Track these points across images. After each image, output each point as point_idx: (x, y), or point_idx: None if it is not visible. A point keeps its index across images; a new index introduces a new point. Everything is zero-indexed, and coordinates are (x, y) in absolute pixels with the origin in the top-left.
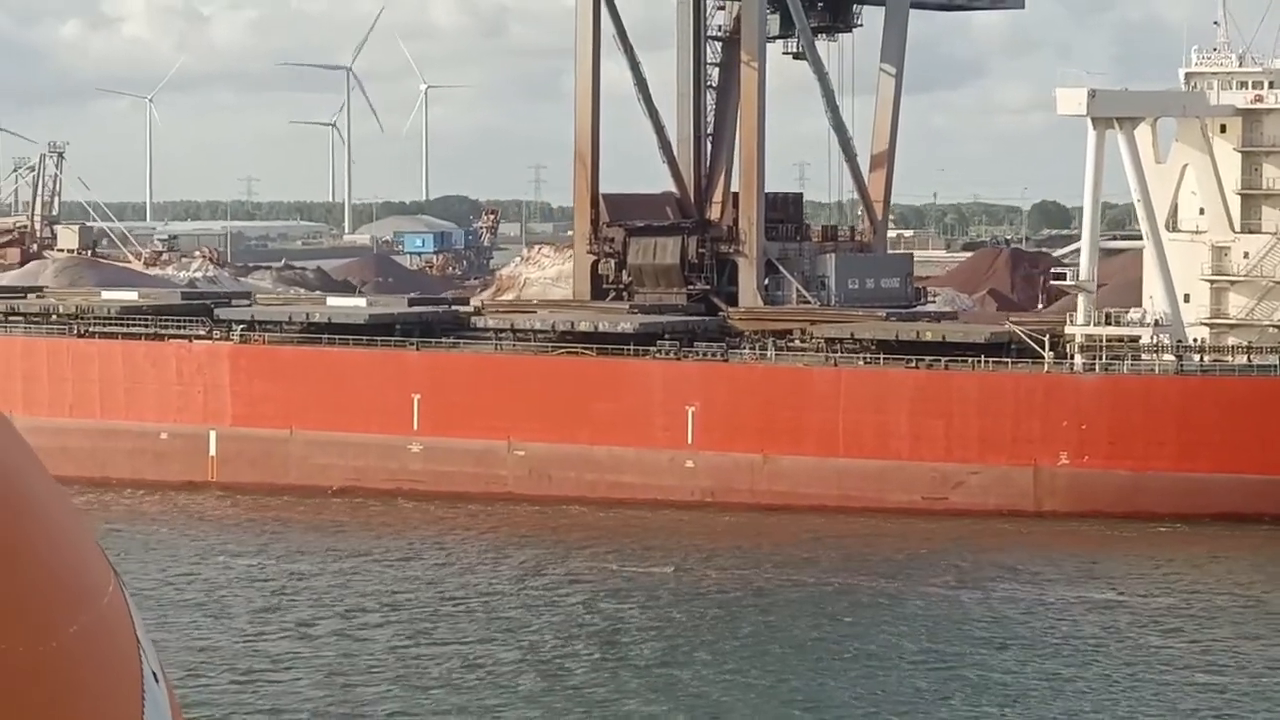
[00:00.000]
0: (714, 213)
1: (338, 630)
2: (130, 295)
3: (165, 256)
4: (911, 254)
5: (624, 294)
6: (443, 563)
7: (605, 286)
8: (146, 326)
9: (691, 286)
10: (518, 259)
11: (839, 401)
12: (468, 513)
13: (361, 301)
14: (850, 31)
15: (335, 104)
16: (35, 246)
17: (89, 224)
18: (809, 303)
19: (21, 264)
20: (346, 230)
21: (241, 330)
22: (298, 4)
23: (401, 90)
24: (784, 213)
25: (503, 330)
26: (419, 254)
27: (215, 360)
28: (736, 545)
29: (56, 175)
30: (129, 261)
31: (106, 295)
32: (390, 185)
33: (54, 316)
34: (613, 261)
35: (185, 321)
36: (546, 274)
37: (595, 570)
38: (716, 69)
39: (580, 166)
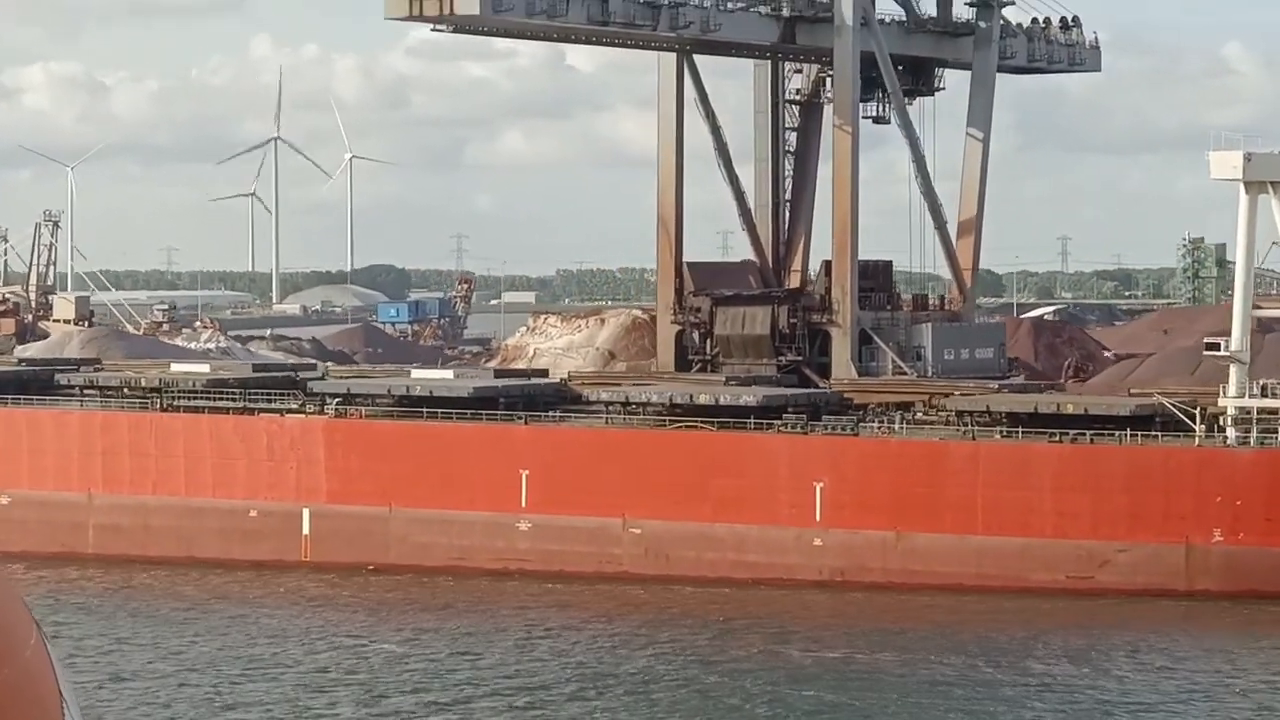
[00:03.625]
0: (792, 281)
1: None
2: (203, 368)
3: (165, 327)
4: (1004, 324)
5: (709, 365)
6: (587, 644)
7: (690, 358)
8: (234, 400)
9: (782, 357)
10: (523, 329)
11: (977, 477)
12: (590, 593)
13: (449, 374)
14: (932, 95)
15: (244, 173)
16: (30, 317)
17: (84, 294)
18: (904, 374)
19: (17, 335)
20: (275, 299)
21: (336, 404)
22: (198, 75)
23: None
24: (874, 281)
25: (613, 403)
26: (393, 323)
27: (309, 435)
28: (894, 627)
29: (52, 244)
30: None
31: (178, 368)
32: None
33: (126, 390)
34: (697, 332)
35: (276, 395)
36: (556, 344)
37: (754, 654)
38: (794, 134)
39: (664, 234)
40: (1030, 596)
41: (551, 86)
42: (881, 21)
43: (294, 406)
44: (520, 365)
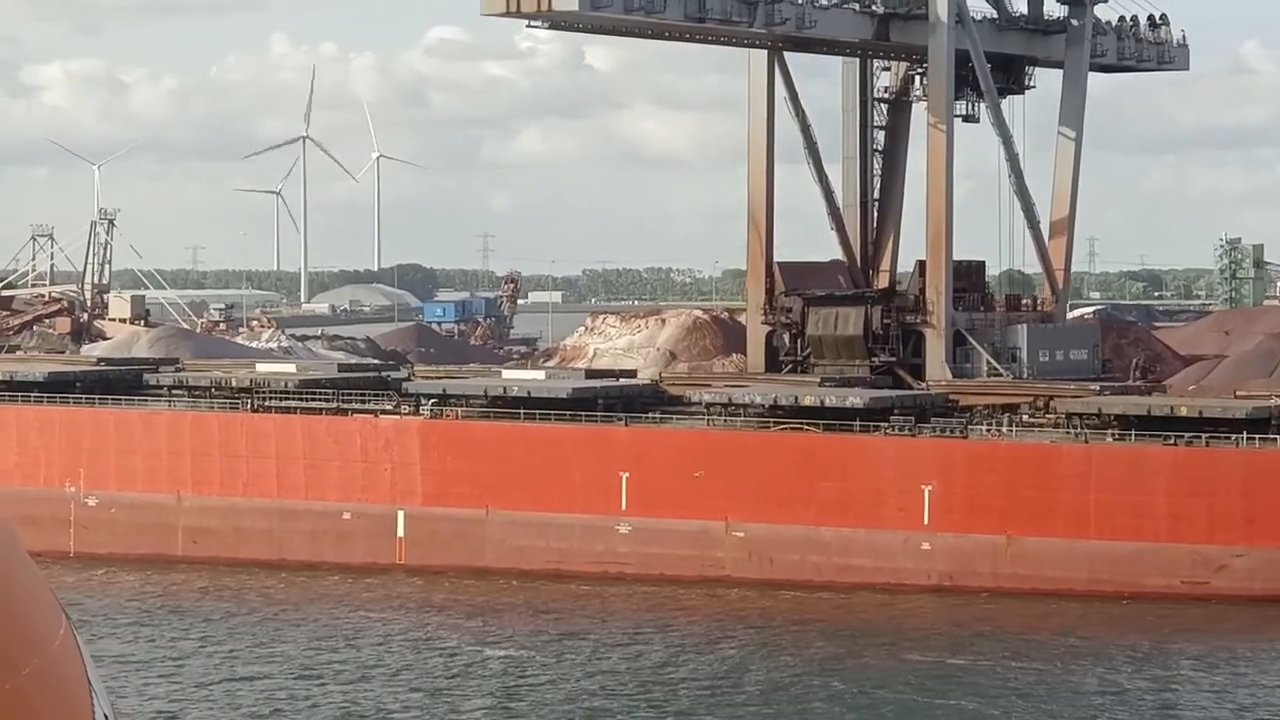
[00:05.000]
0: (880, 281)
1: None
2: (289, 368)
3: (222, 326)
4: (1098, 325)
5: (800, 367)
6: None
7: (781, 359)
8: (327, 400)
9: (875, 359)
10: (581, 328)
11: (1090, 480)
12: (693, 596)
13: (540, 374)
14: (1022, 94)
15: (266, 170)
16: (85, 316)
17: (140, 293)
18: (1000, 375)
19: (72, 334)
20: (303, 298)
21: (432, 404)
22: (217, 73)
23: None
24: (967, 281)
25: (715, 405)
26: (439, 323)
27: (404, 436)
28: (1009, 633)
29: (107, 242)
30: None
31: (265, 368)
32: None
33: (214, 390)
34: (788, 333)
35: (370, 396)
36: (616, 345)
37: (865, 659)
38: (882, 132)
39: (754, 233)
40: (1144, 602)
41: (569, 86)
42: (973, 19)
43: (388, 407)
44: (581, 365)
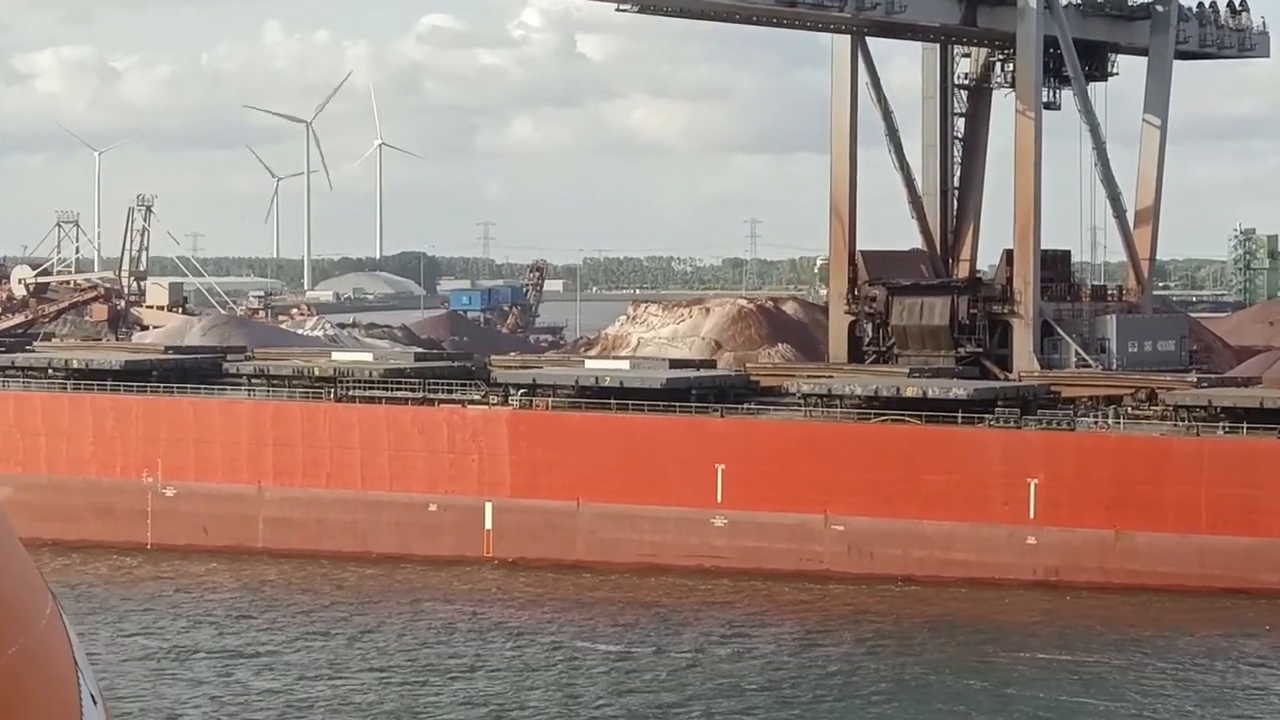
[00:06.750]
0: (960, 270)
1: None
2: (365, 356)
3: (262, 314)
4: (1185, 316)
5: (883, 357)
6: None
7: (864, 349)
8: (413, 390)
9: (961, 349)
10: (623, 317)
11: (1201, 474)
12: (793, 590)
13: (624, 364)
14: (1105, 81)
15: (255, 161)
16: (123, 304)
17: (177, 280)
18: (1088, 366)
19: (110, 321)
20: (306, 286)
21: (521, 394)
22: (209, 60)
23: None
24: (1053, 271)
25: (812, 395)
26: (465, 311)
27: (492, 427)
28: (1123, 629)
29: (145, 229)
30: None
31: (342, 357)
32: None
33: (294, 379)
34: (871, 323)
35: (457, 385)
36: (660, 334)
37: (975, 655)
38: (962, 119)
39: (837, 222)
40: (1258, 598)
41: (562, 74)
42: (1060, 4)
43: (476, 397)
44: (624, 354)
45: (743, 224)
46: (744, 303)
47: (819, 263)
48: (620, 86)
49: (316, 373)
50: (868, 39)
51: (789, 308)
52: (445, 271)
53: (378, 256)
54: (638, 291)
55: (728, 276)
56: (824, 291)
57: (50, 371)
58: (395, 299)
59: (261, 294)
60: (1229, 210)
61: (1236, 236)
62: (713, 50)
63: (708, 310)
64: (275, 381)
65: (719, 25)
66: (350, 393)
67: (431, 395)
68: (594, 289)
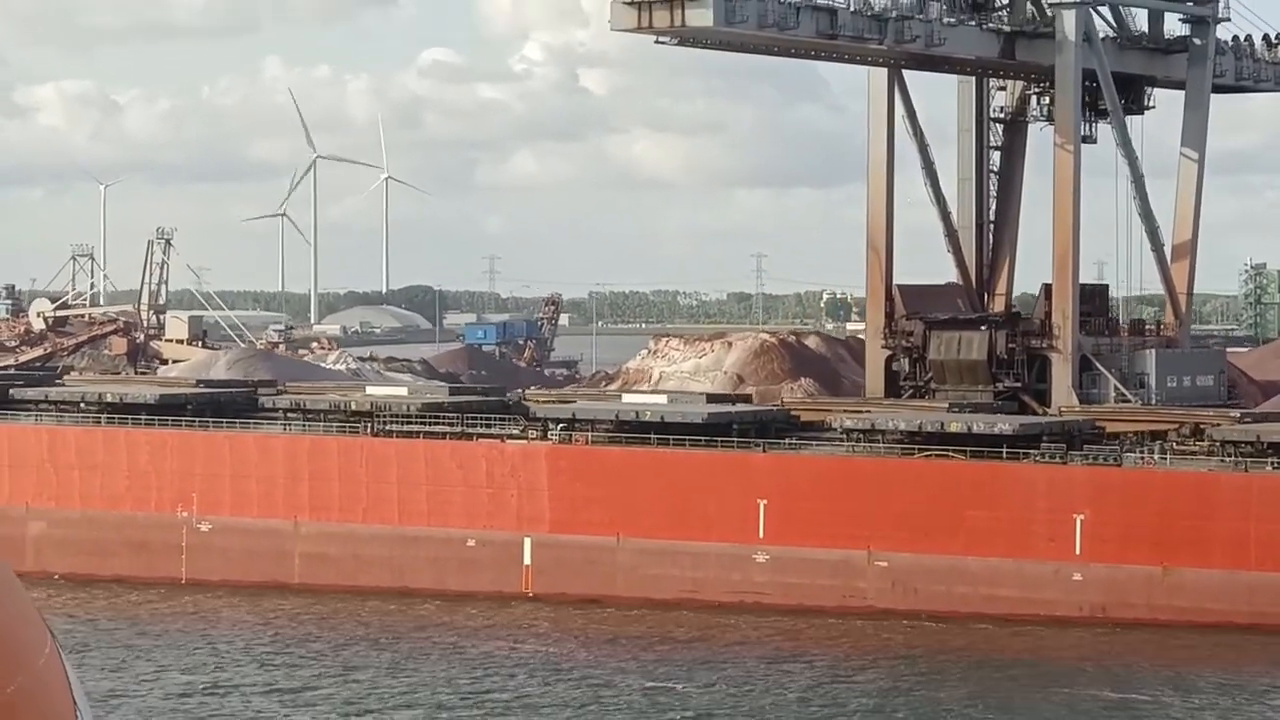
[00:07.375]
0: (996, 304)
1: None
2: (400, 391)
3: (281, 348)
4: (1224, 351)
5: (920, 391)
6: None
7: (901, 384)
8: (451, 425)
9: (999, 384)
10: (644, 351)
11: (1250, 510)
12: (836, 627)
13: (663, 398)
14: (1141, 114)
15: (258, 194)
16: (143, 337)
17: (197, 314)
18: (1128, 401)
19: (129, 355)
20: (313, 320)
21: (560, 429)
22: (210, 95)
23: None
24: (1091, 305)
25: (854, 430)
26: (480, 344)
27: (531, 461)
28: (1172, 667)
29: (164, 262)
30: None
31: (378, 391)
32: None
33: (329, 413)
34: (908, 357)
35: (495, 420)
36: (682, 368)
37: (1024, 694)
38: (998, 152)
39: (874, 256)
40: None
41: (564, 108)
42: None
43: (515, 431)
44: (646, 388)
45: (745, 258)
46: (766, 337)
47: (825, 297)
48: (620, 121)
49: (353, 407)
50: (904, 72)
51: (811, 342)
52: (451, 305)
53: (384, 290)
54: (644, 325)
55: (733, 310)
56: (830, 326)
57: (83, 405)
58: (402, 333)
59: (281, 327)
60: (1231, 244)
61: (1247, 271)
62: (711, 85)
63: (730, 344)
64: (311, 416)
65: (718, 59)
66: (387, 427)
67: (470, 430)
68: (600, 323)
